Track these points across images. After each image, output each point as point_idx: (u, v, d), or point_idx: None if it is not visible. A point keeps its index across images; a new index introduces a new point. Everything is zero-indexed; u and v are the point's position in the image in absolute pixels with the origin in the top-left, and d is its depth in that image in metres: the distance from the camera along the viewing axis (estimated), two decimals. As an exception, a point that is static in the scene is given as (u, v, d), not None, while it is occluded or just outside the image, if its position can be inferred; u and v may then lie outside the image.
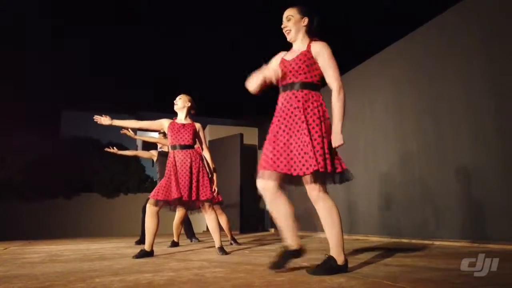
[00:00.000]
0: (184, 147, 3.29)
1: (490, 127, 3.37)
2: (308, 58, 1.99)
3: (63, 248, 4.35)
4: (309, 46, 2.03)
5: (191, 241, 5.08)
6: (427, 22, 4.25)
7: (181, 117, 3.45)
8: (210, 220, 3.25)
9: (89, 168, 9.73)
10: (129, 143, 18.74)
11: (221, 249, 3.16)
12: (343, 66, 5.60)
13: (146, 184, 10.54)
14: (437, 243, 3.68)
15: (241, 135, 8.02)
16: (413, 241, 3.99)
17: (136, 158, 10.52)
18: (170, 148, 3.34)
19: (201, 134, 3.49)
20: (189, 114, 3.49)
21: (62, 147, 10.53)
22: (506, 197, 3.17)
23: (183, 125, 3.38)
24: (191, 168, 3.22)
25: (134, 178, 10.27)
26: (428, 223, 3.96)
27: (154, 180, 15.33)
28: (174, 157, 3.25)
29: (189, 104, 3.46)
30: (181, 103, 3.44)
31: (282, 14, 2.12)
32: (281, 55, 2.17)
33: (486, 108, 3.41)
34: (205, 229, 8.56)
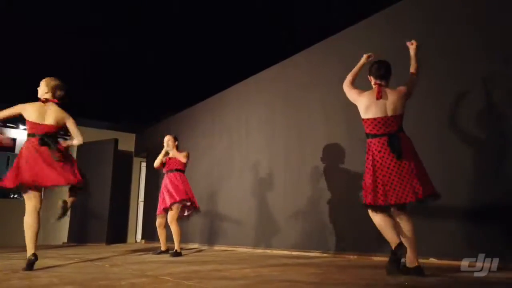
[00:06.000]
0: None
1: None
2: None
3: None
4: None
5: None
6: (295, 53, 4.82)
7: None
8: None
9: None
10: None
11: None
12: (222, 83, 5.90)
13: None
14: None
15: (116, 140, 7.51)
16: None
17: None
18: None
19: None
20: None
21: None
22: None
23: None
24: None
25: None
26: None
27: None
28: None
29: (46, 89, 2.95)
30: (40, 92, 2.98)
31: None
32: None
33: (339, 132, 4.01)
34: (65, 241, 7.53)
